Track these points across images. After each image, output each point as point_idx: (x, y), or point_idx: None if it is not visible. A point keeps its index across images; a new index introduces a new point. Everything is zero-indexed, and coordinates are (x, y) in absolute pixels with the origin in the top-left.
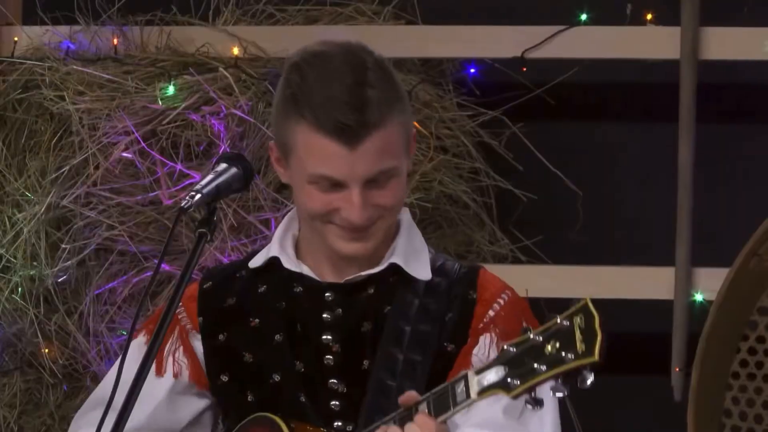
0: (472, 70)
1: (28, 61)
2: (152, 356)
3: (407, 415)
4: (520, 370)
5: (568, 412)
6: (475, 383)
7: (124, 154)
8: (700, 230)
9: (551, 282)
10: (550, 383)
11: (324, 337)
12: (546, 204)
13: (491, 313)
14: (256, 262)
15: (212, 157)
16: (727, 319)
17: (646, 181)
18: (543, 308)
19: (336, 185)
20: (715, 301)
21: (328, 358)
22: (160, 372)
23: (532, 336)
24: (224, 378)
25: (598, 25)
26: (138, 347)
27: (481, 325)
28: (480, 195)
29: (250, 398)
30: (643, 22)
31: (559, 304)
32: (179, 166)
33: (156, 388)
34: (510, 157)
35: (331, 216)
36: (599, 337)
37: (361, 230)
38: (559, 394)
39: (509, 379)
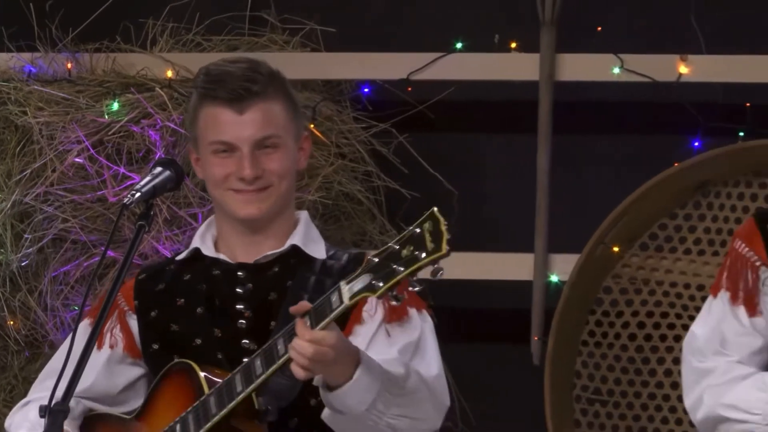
0: (366, 90)
1: None
2: (96, 335)
3: (293, 328)
4: (382, 274)
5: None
6: (346, 291)
7: (77, 160)
8: (555, 223)
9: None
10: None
11: (238, 306)
12: (427, 201)
13: None
14: (181, 256)
15: (149, 162)
16: (577, 296)
17: (510, 182)
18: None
19: (231, 150)
20: (567, 282)
21: (241, 323)
22: (100, 346)
23: (390, 245)
24: (155, 346)
25: (471, 52)
26: (84, 328)
27: None
28: (372, 193)
29: (176, 360)
30: (508, 50)
31: (436, 284)
32: (122, 170)
33: (97, 359)
34: (397, 162)
35: (229, 181)
36: (445, 235)
37: (254, 191)
38: (415, 289)
39: (374, 282)
